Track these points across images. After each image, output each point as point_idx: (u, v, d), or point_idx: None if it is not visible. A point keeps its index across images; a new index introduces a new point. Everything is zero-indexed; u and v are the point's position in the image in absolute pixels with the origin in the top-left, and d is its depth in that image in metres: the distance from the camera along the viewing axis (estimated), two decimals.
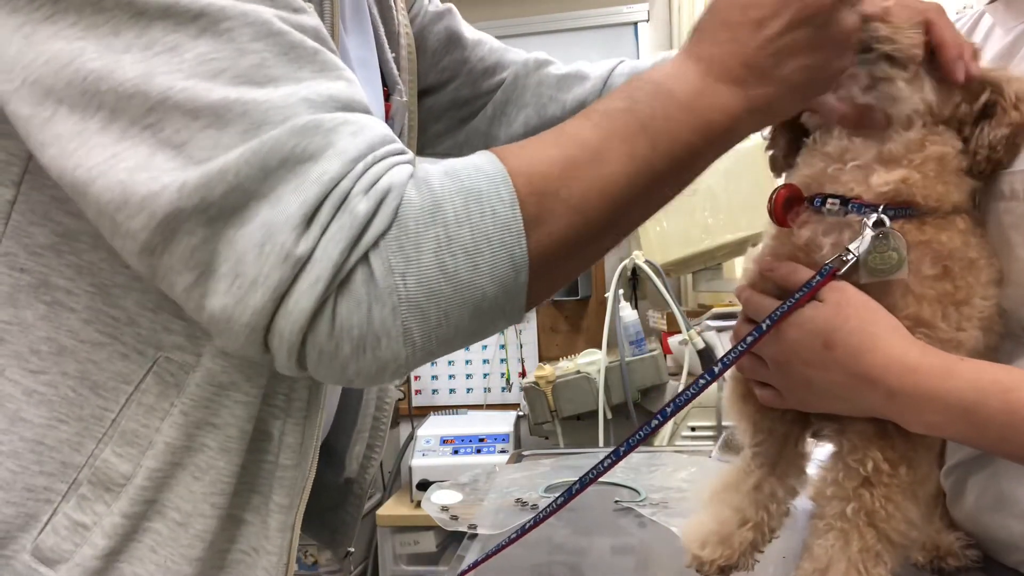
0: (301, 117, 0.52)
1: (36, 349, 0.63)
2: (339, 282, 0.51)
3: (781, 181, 0.77)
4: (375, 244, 0.52)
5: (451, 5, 1.04)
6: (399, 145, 0.56)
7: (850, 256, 0.68)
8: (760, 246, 0.78)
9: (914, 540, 0.70)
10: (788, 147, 0.80)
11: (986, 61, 0.84)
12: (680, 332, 2.31)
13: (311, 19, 0.58)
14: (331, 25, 0.68)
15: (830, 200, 0.71)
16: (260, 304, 0.52)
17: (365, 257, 0.52)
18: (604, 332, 2.43)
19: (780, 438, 0.79)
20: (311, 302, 0.51)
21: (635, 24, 2.88)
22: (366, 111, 0.57)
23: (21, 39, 0.54)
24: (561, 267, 0.59)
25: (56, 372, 0.63)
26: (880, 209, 0.68)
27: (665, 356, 2.41)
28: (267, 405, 0.68)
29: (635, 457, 1.48)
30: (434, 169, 0.55)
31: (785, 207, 0.73)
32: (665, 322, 2.51)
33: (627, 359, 2.34)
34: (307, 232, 0.51)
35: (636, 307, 2.50)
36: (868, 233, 0.68)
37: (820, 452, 0.80)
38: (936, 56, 0.70)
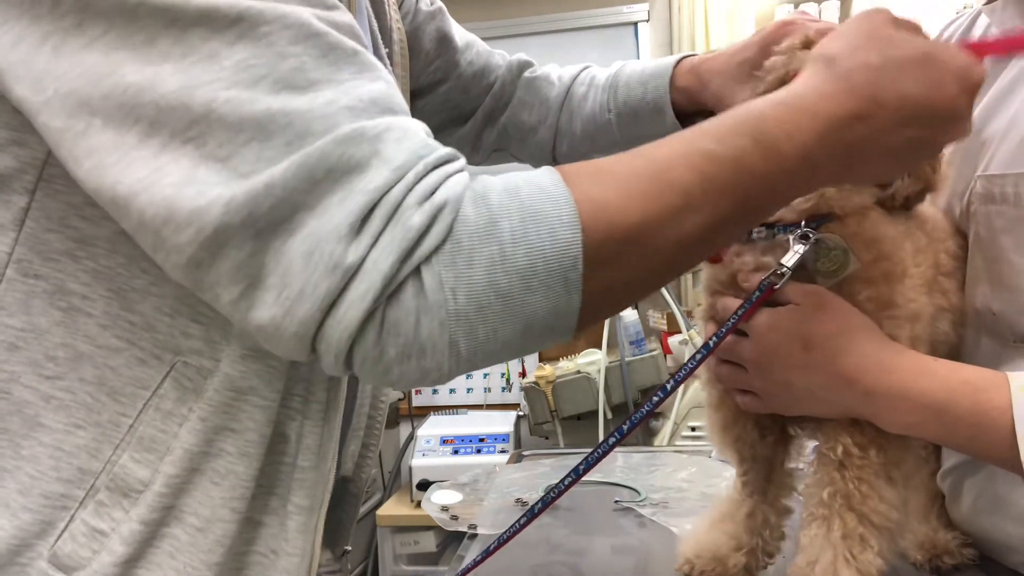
0: (344, 125, 0.52)
1: (52, 355, 0.62)
2: (390, 293, 0.51)
3: None
4: (427, 258, 0.51)
5: (441, 5, 1.03)
6: (448, 151, 0.55)
7: (784, 270, 0.69)
8: (705, 279, 0.80)
9: (897, 522, 0.71)
10: None
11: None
12: (680, 332, 2.32)
13: (344, 15, 0.57)
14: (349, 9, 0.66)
15: (756, 231, 0.73)
16: (308, 314, 0.51)
17: (417, 270, 0.51)
18: (604, 332, 2.43)
19: (765, 463, 0.81)
20: (360, 312, 0.50)
21: (635, 24, 2.88)
22: (406, 112, 0.56)
23: (50, 50, 0.53)
24: (616, 297, 0.58)
25: (73, 378, 0.63)
26: (803, 224, 0.71)
27: (665, 356, 2.41)
28: (284, 407, 0.67)
29: (635, 457, 1.48)
30: (494, 183, 0.54)
31: None
32: (665, 322, 2.51)
33: (627, 359, 2.35)
34: (356, 242, 0.50)
35: (636, 307, 2.51)
36: (798, 246, 0.70)
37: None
38: None
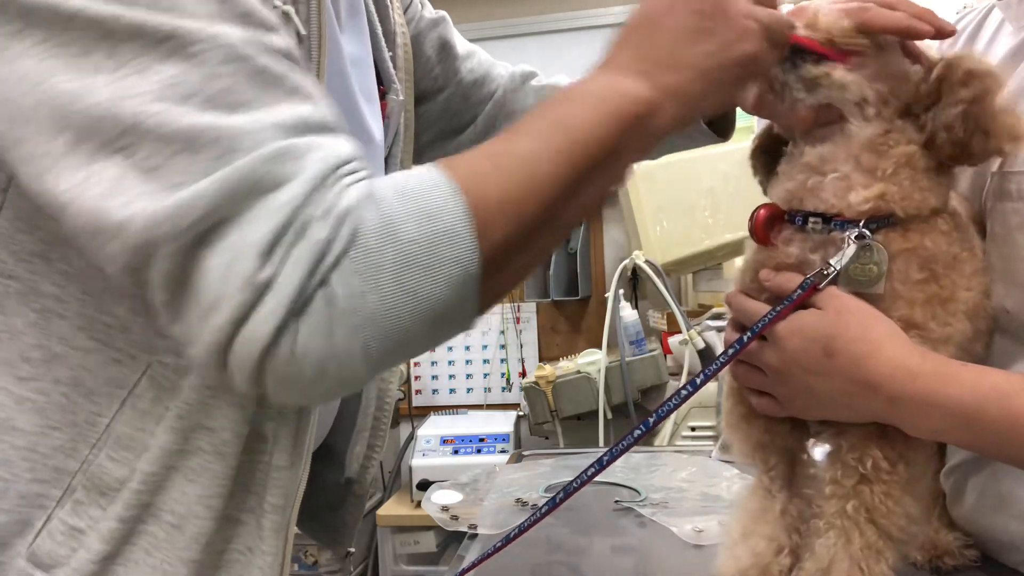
0: (271, 143, 0.53)
1: (27, 356, 0.63)
2: (299, 307, 0.52)
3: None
4: (335, 267, 0.52)
5: (444, 13, 1.04)
6: (358, 163, 0.57)
7: (831, 270, 0.69)
8: (745, 260, 0.79)
9: (913, 535, 0.70)
10: (765, 161, 0.81)
11: (994, 59, 0.84)
12: (680, 332, 2.31)
13: (282, 39, 0.58)
14: (318, 28, 0.68)
15: (812, 219, 0.71)
16: (219, 325, 0.52)
17: (325, 280, 0.52)
18: (604, 332, 2.43)
19: (789, 455, 0.79)
20: (270, 328, 0.52)
21: None
22: (335, 130, 0.58)
23: None
24: (507, 271, 0.60)
25: (48, 379, 0.63)
26: (861, 224, 0.69)
27: (665, 356, 2.40)
28: (261, 407, 0.68)
29: (635, 457, 1.48)
30: (386, 187, 0.56)
31: (766, 226, 0.74)
32: (665, 322, 2.51)
33: (627, 359, 2.34)
34: (270, 259, 0.51)
35: (636, 307, 2.50)
36: (851, 247, 0.68)
37: (818, 453, 0.80)
38: (889, 33, 0.71)
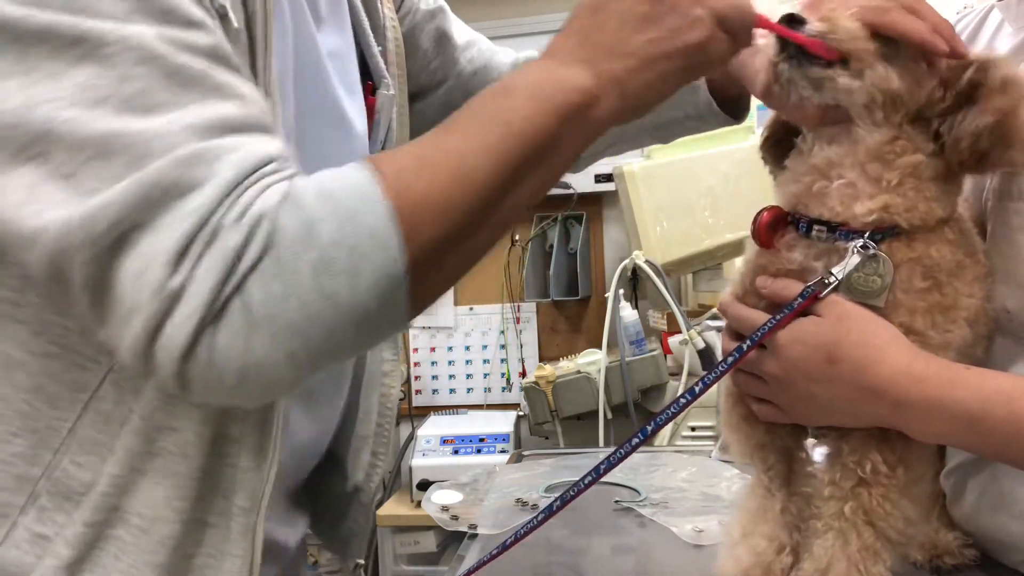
0: (184, 146, 0.52)
1: None
2: (214, 315, 0.51)
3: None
4: (250, 272, 0.51)
5: (443, 4, 1.02)
6: (280, 163, 0.55)
7: (832, 279, 0.68)
8: (743, 262, 0.78)
9: (911, 537, 0.70)
10: (773, 150, 0.80)
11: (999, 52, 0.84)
12: (680, 332, 2.31)
13: (206, 36, 0.57)
14: (263, 23, 0.65)
15: (816, 227, 0.71)
16: (136, 333, 0.52)
17: (240, 287, 0.51)
18: (604, 332, 2.43)
19: (787, 454, 0.79)
20: (184, 336, 0.51)
21: None
22: (260, 128, 0.56)
23: None
24: (440, 271, 0.59)
25: (7, 386, 0.62)
26: (867, 235, 0.68)
27: (665, 356, 2.40)
28: (224, 407, 0.66)
29: (635, 457, 1.47)
30: (308, 188, 0.55)
31: (769, 230, 0.73)
32: (665, 322, 2.51)
33: (627, 359, 2.34)
34: (180, 266, 0.51)
35: (636, 307, 2.50)
36: (855, 257, 0.68)
37: (816, 452, 0.80)
38: (904, 42, 0.68)
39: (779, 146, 0.79)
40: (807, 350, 0.69)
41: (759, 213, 0.74)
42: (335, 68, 0.81)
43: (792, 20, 0.68)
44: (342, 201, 0.54)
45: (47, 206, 0.51)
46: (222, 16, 0.60)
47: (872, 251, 0.68)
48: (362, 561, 1.00)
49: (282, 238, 0.52)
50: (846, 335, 0.68)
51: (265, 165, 0.54)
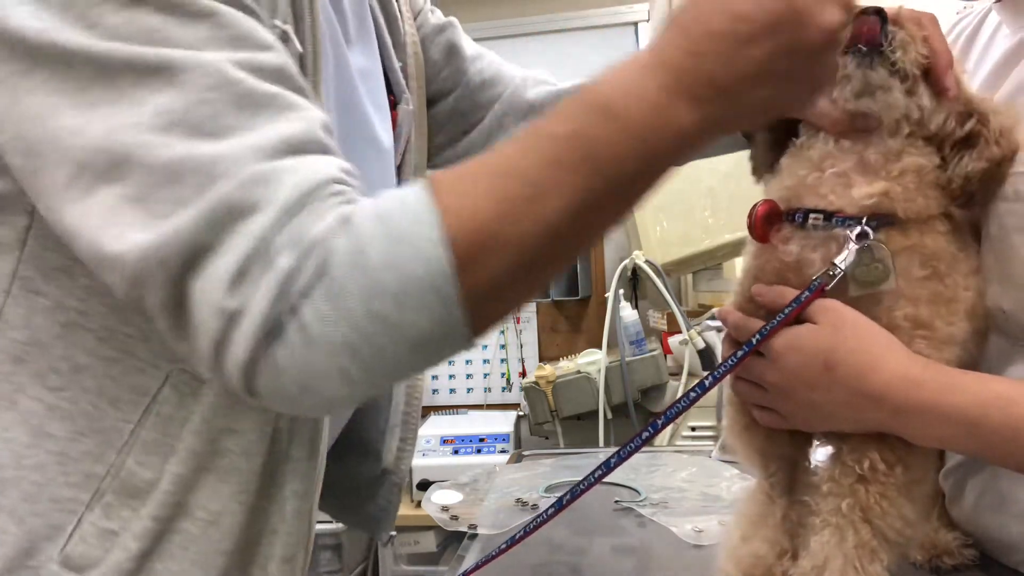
0: (248, 168, 0.54)
1: (55, 367, 0.65)
2: (272, 334, 0.53)
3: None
4: (304, 295, 0.53)
5: (453, 19, 1.05)
6: (339, 187, 0.56)
7: (837, 271, 0.68)
8: (744, 267, 0.78)
9: (909, 538, 0.70)
10: (769, 149, 0.79)
11: (991, 60, 0.84)
12: (680, 332, 2.31)
13: (275, 57, 0.59)
14: (312, 45, 0.68)
15: (813, 216, 0.71)
16: (204, 349, 0.54)
17: (295, 309, 0.52)
18: (604, 332, 2.43)
19: (789, 462, 0.80)
20: (245, 353, 0.53)
21: (635, 24, 2.88)
22: (322, 149, 0.57)
23: (7, 92, 0.56)
24: (502, 302, 0.58)
25: (76, 388, 0.66)
26: (863, 221, 0.69)
27: (665, 356, 2.40)
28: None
29: (635, 457, 1.47)
30: (366, 210, 0.55)
31: (765, 223, 0.73)
32: (665, 322, 2.51)
33: (627, 359, 2.34)
34: (239, 288, 0.52)
35: (636, 307, 2.50)
36: (853, 247, 0.68)
37: (820, 455, 0.80)
38: (930, 68, 0.70)
39: (772, 151, 0.79)
40: (805, 357, 0.70)
41: (754, 207, 0.73)
42: (365, 86, 0.83)
43: (881, 17, 0.67)
44: (395, 223, 0.54)
45: (125, 230, 0.54)
46: (284, 39, 0.63)
47: (869, 239, 0.68)
48: (394, 533, 1.06)
49: (335, 262, 0.53)
50: (843, 342, 0.69)
51: (326, 186, 0.55)
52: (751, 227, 0.74)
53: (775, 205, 0.73)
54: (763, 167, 0.80)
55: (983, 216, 0.78)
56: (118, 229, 0.54)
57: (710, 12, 0.56)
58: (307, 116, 0.58)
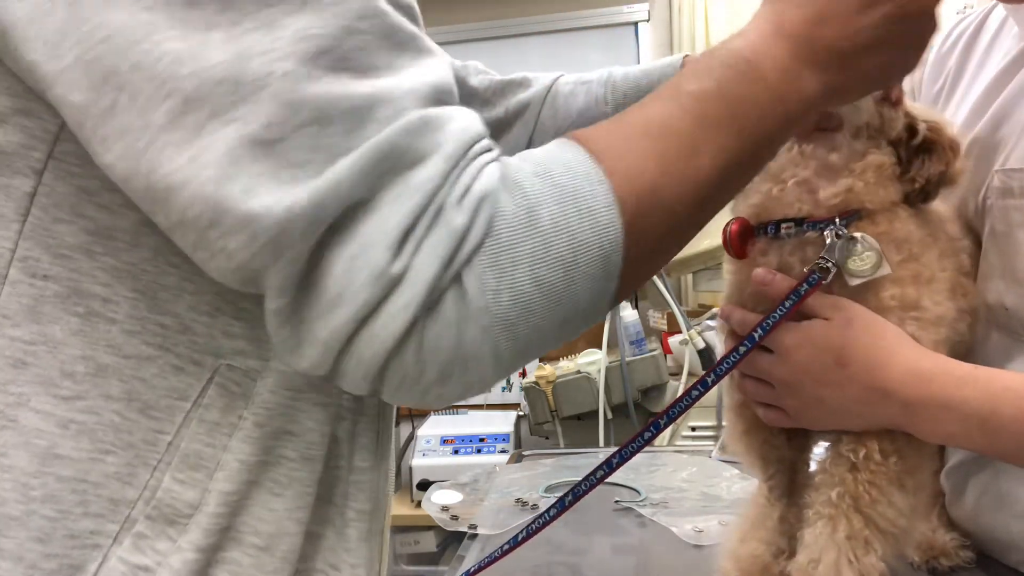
0: (410, 113, 0.47)
1: (69, 371, 0.53)
2: (430, 304, 0.46)
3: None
4: (469, 260, 0.46)
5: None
6: (487, 141, 0.50)
7: (829, 264, 0.69)
8: (728, 282, 0.79)
9: (903, 529, 0.70)
10: None
11: (995, 61, 0.84)
12: (680, 332, 2.31)
13: None
14: None
15: (784, 225, 0.72)
16: (342, 322, 0.46)
17: (459, 276, 0.46)
18: (604, 332, 2.43)
19: (790, 466, 0.80)
20: (400, 325, 0.45)
21: (635, 24, 2.88)
22: (457, 100, 0.51)
23: (65, 6, 0.45)
24: (645, 268, 0.54)
25: (96, 396, 0.54)
26: (837, 220, 0.70)
27: (665, 356, 2.41)
28: (348, 407, 0.62)
29: (635, 457, 1.47)
30: (524, 168, 0.50)
31: (740, 241, 0.74)
32: (665, 322, 2.51)
33: (627, 359, 2.34)
34: (403, 249, 0.45)
35: (636, 307, 2.50)
36: (836, 242, 0.69)
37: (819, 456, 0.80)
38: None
39: None
40: (816, 353, 0.70)
41: (727, 226, 0.74)
42: None
43: None
44: (562, 182, 0.49)
45: (255, 182, 0.44)
46: None
47: (847, 233, 0.69)
48: None
49: (503, 222, 0.47)
50: (855, 338, 0.69)
51: (480, 139, 0.50)
52: (727, 246, 0.75)
53: (746, 222, 0.74)
54: None
55: (986, 213, 0.78)
56: (246, 182, 0.44)
57: None
58: (443, 63, 0.52)
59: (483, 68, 0.99)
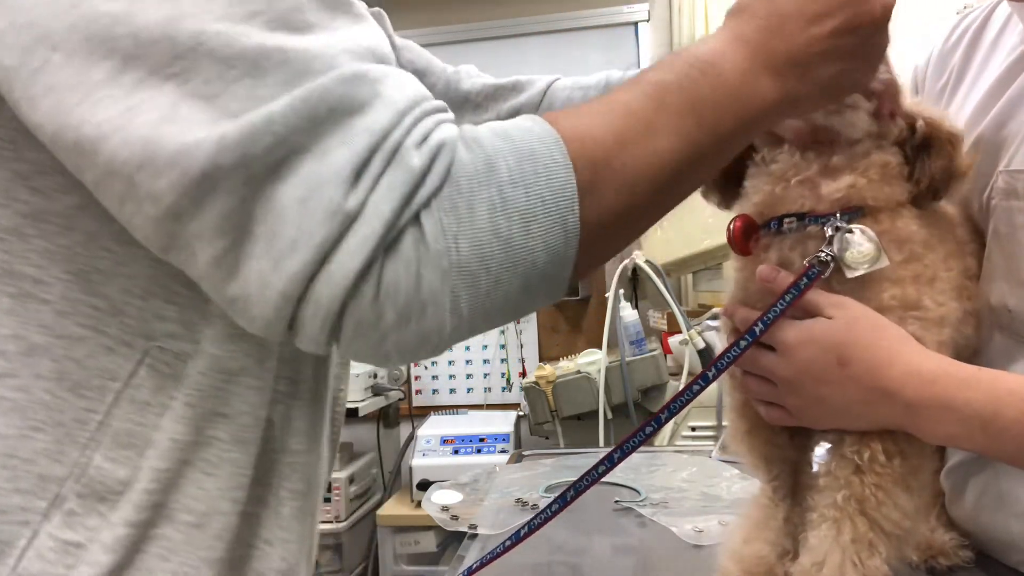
0: (346, 66, 0.48)
1: (1, 349, 0.55)
2: (389, 242, 0.47)
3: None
4: (427, 203, 0.48)
5: (379, 9, 1.01)
6: (440, 102, 0.52)
7: (828, 256, 0.69)
8: (734, 280, 0.79)
9: (907, 530, 0.70)
10: (725, 187, 0.81)
11: (998, 60, 0.84)
12: (680, 332, 2.31)
13: None
14: None
15: (787, 220, 0.72)
16: (299, 266, 0.46)
17: (416, 217, 0.48)
18: (604, 332, 2.43)
19: (793, 466, 0.80)
20: (358, 262, 0.46)
21: (635, 24, 2.88)
22: (394, 64, 0.53)
23: None
24: (606, 242, 0.56)
25: (28, 374, 0.55)
26: (838, 215, 0.70)
27: (665, 356, 2.40)
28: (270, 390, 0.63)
29: (635, 457, 1.47)
30: (482, 129, 0.52)
31: (743, 237, 0.74)
32: (665, 322, 2.51)
33: (627, 359, 2.34)
34: (357, 186, 0.46)
35: (636, 307, 2.50)
36: (836, 233, 0.69)
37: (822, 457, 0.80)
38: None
39: (727, 178, 0.79)
40: (818, 351, 0.70)
41: (731, 223, 0.75)
42: None
43: None
44: (520, 141, 0.51)
45: (189, 126, 0.46)
46: None
47: (844, 228, 0.69)
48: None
49: (461, 170, 0.49)
50: (858, 337, 0.69)
51: (427, 99, 0.51)
52: (731, 243, 0.75)
53: (750, 218, 0.74)
54: (720, 200, 0.81)
55: (989, 214, 0.78)
56: (181, 126, 0.46)
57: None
58: (379, 32, 0.53)
59: (476, 72, 0.99)
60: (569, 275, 0.53)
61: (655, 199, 0.56)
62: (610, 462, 0.71)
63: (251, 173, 0.46)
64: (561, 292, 0.54)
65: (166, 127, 0.46)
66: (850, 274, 0.70)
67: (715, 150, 0.58)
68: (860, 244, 0.69)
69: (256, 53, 0.47)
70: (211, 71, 0.47)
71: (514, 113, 0.94)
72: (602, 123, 0.54)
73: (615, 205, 0.53)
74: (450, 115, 0.53)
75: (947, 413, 0.67)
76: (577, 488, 0.72)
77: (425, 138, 0.49)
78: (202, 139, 0.45)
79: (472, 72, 0.98)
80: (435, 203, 0.48)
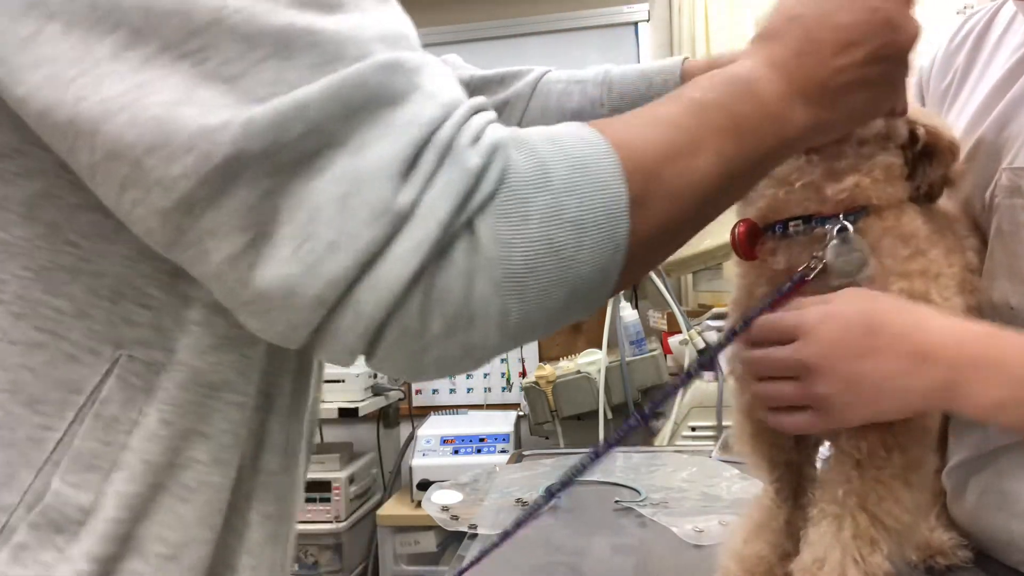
0: (381, 53, 0.44)
1: None
2: (443, 247, 0.43)
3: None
4: (482, 208, 0.44)
5: None
6: (481, 99, 0.49)
7: (818, 254, 0.69)
8: (737, 286, 0.78)
9: (908, 526, 0.69)
10: None
11: (1002, 60, 0.84)
12: (680, 332, 2.31)
13: None
14: None
15: (792, 223, 0.72)
16: (339, 270, 0.42)
17: (472, 221, 0.44)
18: (604, 332, 2.43)
19: (796, 468, 0.80)
20: (411, 268, 0.42)
21: (635, 24, 2.88)
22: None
23: None
24: (648, 255, 0.54)
25: None
26: (842, 216, 0.70)
27: (665, 356, 2.41)
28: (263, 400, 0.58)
29: (635, 457, 1.48)
30: (533, 132, 0.49)
31: (748, 241, 0.74)
32: (665, 322, 2.51)
33: (627, 359, 2.34)
34: (407, 183, 0.42)
35: (636, 307, 2.50)
36: (833, 242, 0.69)
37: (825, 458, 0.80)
38: None
39: None
40: (843, 324, 0.66)
41: (734, 228, 0.74)
42: None
43: None
44: (572, 148, 0.48)
45: (208, 109, 0.41)
46: None
47: (848, 230, 0.69)
48: None
49: (516, 175, 0.45)
50: (881, 305, 0.67)
51: (477, 97, 0.48)
52: (735, 248, 0.74)
53: (753, 222, 0.74)
54: None
55: (992, 211, 0.78)
56: (199, 108, 0.41)
57: (813, 24, 0.60)
58: (405, 16, 0.50)
59: (461, 63, 0.96)
60: (612, 288, 0.51)
61: (696, 214, 0.55)
62: (595, 455, 0.70)
63: (278, 163, 0.42)
64: (599, 306, 0.52)
65: (184, 108, 0.41)
66: (833, 282, 0.70)
67: (750, 171, 0.58)
68: (849, 253, 0.70)
69: (282, 32, 0.42)
70: (232, 50, 0.42)
71: (499, 107, 0.90)
72: (651, 135, 0.53)
73: (661, 218, 0.52)
74: (495, 114, 0.49)
75: (994, 372, 0.63)
76: (564, 483, 0.70)
77: (479, 136, 0.45)
78: (228, 120, 0.41)
79: (457, 63, 0.94)
80: (490, 208, 0.45)
